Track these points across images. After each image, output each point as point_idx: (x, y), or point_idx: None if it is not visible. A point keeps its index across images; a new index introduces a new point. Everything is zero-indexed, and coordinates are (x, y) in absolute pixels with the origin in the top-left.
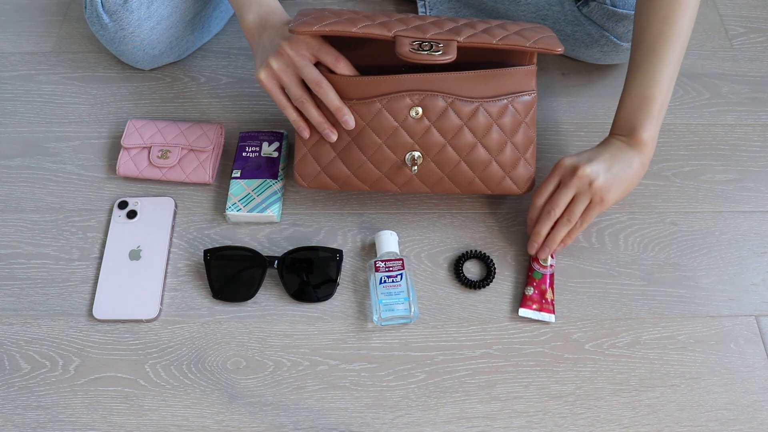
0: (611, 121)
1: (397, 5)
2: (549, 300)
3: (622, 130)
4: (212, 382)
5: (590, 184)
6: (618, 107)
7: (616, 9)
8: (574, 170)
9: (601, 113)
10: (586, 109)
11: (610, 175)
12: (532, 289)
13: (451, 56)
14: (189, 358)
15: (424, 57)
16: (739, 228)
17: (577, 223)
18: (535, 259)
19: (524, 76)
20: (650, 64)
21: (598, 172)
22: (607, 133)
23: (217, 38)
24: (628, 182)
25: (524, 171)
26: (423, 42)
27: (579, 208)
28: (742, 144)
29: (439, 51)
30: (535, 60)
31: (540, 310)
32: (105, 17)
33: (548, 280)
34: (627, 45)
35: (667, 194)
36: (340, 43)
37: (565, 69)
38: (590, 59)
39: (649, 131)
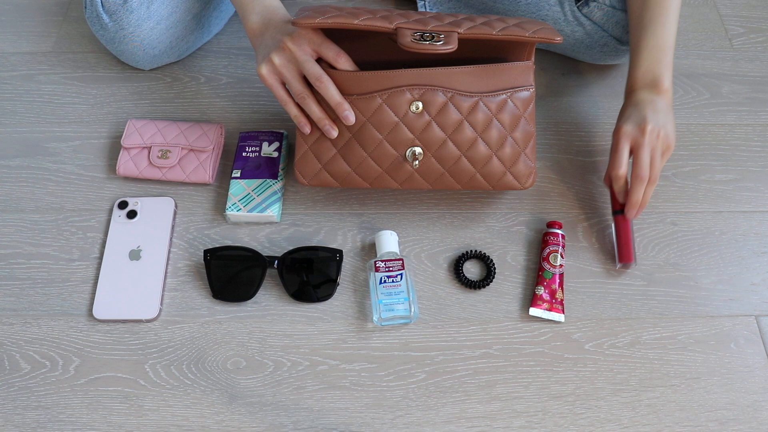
0: (611, 121)
1: (397, 4)
2: (559, 300)
3: (644, 83)
4: (212, 382)
5: (658, 136)
6: (634, 63)
7: (616, 9)
8: (642, 130)
9: (601, 113)
10: (586, 109)
11: (667, 122)
12: (542, 288)
13: (452, 46)
14: (189, 358)
15: (426, 47)
16: (739, 228)
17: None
18: (546, 258)
19: (522, 71)
20: (659, 16)
21: (659, 123)
22: (609, 132)
23: (217, 38)
24: (674, 125)
25: (525, 166)
26: (424, 33)
27: (660, 163)
28: (742, 144)
29: (440, 41)
30: (533, 56)
31: (550, 309)
32: (105, 17)
33: (558, 280)
34: (627, 45)
35: (667, 194)
36: (340, 39)
37: (565, 69)
38: (590, 59)
39: (669, 78)
